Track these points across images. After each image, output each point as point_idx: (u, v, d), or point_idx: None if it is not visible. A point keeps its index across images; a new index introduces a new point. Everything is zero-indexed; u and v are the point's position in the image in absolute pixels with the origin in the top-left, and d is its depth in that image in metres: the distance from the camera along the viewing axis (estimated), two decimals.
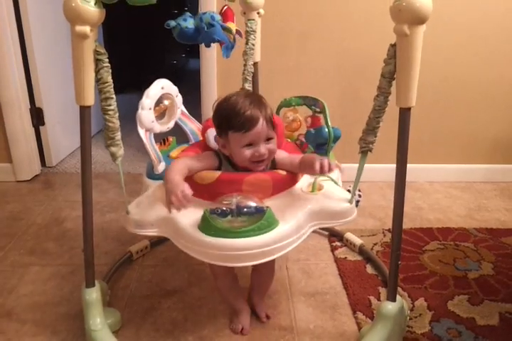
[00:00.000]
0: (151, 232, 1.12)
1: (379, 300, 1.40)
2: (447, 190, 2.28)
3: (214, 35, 1.25)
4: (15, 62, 2.19)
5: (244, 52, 1.56)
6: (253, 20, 1.54)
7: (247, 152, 1.10)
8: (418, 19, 0.92)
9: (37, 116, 2.38)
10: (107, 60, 1.02)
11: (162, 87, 1.31)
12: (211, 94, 2.25)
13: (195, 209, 1.05)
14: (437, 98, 2.23)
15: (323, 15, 2.12)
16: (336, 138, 1.33)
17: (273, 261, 1.24)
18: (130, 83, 3.84)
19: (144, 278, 1.52)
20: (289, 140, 1.41)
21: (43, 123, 2.42)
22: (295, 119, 1.44)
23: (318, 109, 1.37)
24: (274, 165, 1.19)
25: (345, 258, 1.63)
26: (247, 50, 1.56)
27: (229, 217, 0.99)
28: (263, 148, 1.11)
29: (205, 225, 1.00)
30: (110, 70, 1.03)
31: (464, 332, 1.26)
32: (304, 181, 1.22)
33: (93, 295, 1.20)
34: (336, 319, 1.33)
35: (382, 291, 1.43)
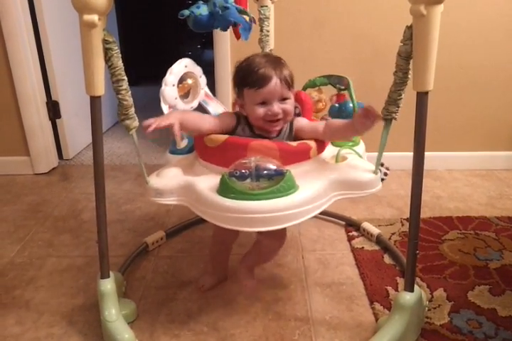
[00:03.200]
0: (171, 201, 1.12)
1: (397, 290, 1.37)
2: (467, 178, 2.23)
3: (230, 17, 1.22)
4: (30, 56, 2.20)
5: (259, 39, 1.55)
6: (266, 6, 1.52)
7: (261, 110, 1.10)
8: None
9: (53, 110, 2.39)
10: (117, 47, 1.01)
11: (185, 65, 1.31)
12: (225, 85, 2.23)
13: (214, 175, 1.06)
14: (455, 83, 2.17)
15: (337, 1, 2.07)
16: None
17: (283, 237, 1.25)
18: (145, 75, 3.84)
19: (160, 269, 1.52)
20: (313, 117, 1.37)
21: (60, 117, 2.43)
22: (320, 100, 1.42)
23: (342, 87, 1.35)
24: (292, 129, 1.18)
25: (362, 248, 1.61)
26: (263, 37, 1.54)
27: (248, 179, 0.98)
28: (276, 107, 1.10)
29: (224, 188, 0.99)
30: (120, 55, 1.02)
31: (485, 323, 1.23)
32: (327, 153, 1.19)
33: (108, 286, 1.20)
34: (353, 310, 1.31)
35: (400, 281, 1.41)
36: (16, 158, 2.35)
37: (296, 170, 1.04)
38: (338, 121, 1.16)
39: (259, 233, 1.22)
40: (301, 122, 1.19)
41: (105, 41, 0.99)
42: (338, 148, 1.17)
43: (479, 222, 1.76)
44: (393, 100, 1.05)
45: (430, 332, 1.20)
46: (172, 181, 1.11)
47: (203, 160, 1.17)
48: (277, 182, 0.98)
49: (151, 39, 4.15)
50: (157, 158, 2.47)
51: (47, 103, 2.35)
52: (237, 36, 1.39)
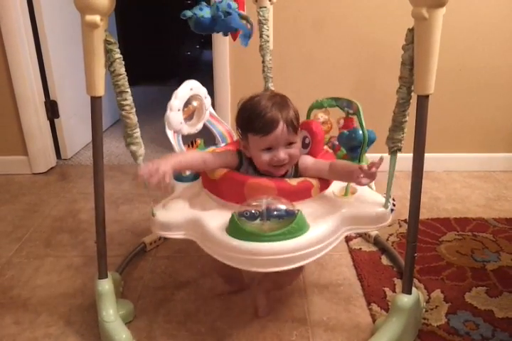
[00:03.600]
0: (177, 235, 1.10)
1: (394, 291, 1.37)
2: (465, 180, 2.24)
3: (231, 24, 1.22)
4: (29, 56, 2.20)
5: (260, 47, 1.51)
6: (265, 7, 1.50)
7: (266, 156, 1.07)
8: (437, 1, 0.88)
9: (52, 109, 2.39)
10: (118, 50, 1.01)
11: (191, 88, 1.30)
12: (224, 86, 2.23)
13: (222, 211, 1.04)
14: (454, 86, 2.18)
15: (337, 2, 2.08)
16: (371, 142, 1.27)
17: (298, 271, 1.24)
18: (144, 75, 3.84)
19: (158, 270, 1.52)
20: (325, 147, 1.35)
21: (58, 116, 2.43)
22: (326, 121, 1.38)
23: (351, 111, 1.31)
24: (297, 170, 1.15)
25: (360, 249, 1.61)
26: (263, 44, 1.50)
27: (258, 220, 0.95)
28: (282, 153, 1.07)
29: (233, 228, 0.97)
30: (123, 62, 1.02)
31: (482, 325, 1.23)
32: (336, 185, 1.17)
33: (106, 286, 1.20)
34: (350, 311, 1.32)
35: (398, 283, 1.41)
36: (14, 157, 2.35)
37: (305, 206, 1.02)
38: (340, 166, 1.12)
39: None
40: (307, 162, 1.15)
41: (107, 42, 0.99)
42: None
43: (477, 224, 1.77)
44: (398, 124, 1.03)
45: (427, 334, 1.20)
46: (179, 215, 1.09)
47: (207, 190, 1.16)
48: (288, 223, 0.95)
49: (151, 39, 4.15)
50: (155, 158, 2.46)
51: (45, 103, 2.35)
52: (234, 38, 1.39)
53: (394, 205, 1.13)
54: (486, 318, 1.25)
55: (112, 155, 2.59)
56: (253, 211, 0.95)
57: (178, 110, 1.25)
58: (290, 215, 0.96)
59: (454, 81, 2.16)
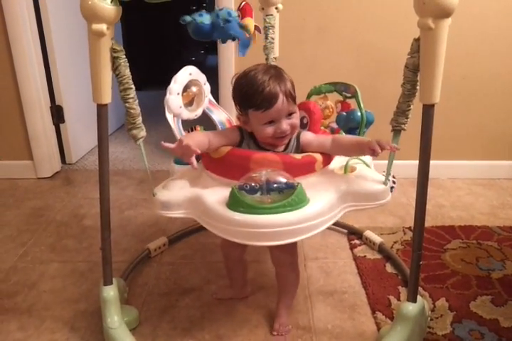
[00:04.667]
0: (178, 214, 1.09)
1: (399, 299, 1.37)
2: (470, 187, 2.23)
3: (230, 31, 1.23)
4: (35, 61, 2.21)
5: (264, 46, 1.55)
6: (271, 15, 1.52)
7: (269, 129, 1.08)
8: (443, 12, 0.89)
9: (57, 114, 2.41)
10: (124, 56, 1.02)
11: (190, 73, 1.30)
12: (229, 91, 2.22)
13: (222, 187, 1.04)
14: (459, 93, 2.18)
15: (341, 9, 2.09)
16: (369, 123, 1.29)
17: (295, 258, 1.25)
18: (148, 80, 3.86)
19: (162, 276, 1.52)
20: (323, 127, 1.36)
21: (63, 121, 2.45)
22: (327, 107, 1.39)
23: (348, 95, 1.33)
24: (299, 144, 1.15)
25: (365, 256, 1.61)
26: (267, 44, 1.54)
27: (258, 193, 0.96)
28: (285, 124, 1.08)
29: (234, 202, 0.97)
30: (128, 64, 1.03)
31: (487, 334, 1.23)
32: (335, 163, 1.18)
33: (111, 293, 1.21)
34: (355, 319, 1.31)
35: (402, 291, 1.41)
36: (19, 162, 2.36)
37: (305, 182, 1.02)
38: (346, 139, 1.15)
39: (271, 247, 1.20)
40: (308, 137, 1.16)
41: (113, 50, 0.99)
42: (347, 159, 1.15)
43: (481, 232, 1.76)
44: (402, 111, 1.05)
45: None
46: (179, 194, 1.09)
47: (209, 171, 1.16)
48: (288, 196, 0.96)
49: (155, 44, 4.17)
50: (160, 164, 2.47)
51: (51, 108, 2.36)
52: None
53: (394, 183, 1.13)
54: (491, 327, 1.25)
55: (116, 160, 2.59)
56: (253, 184, 0.96)
57: (178, 94, 1.25)
58: (290, 188, 0.97)
59: (458, 89, 2.16)
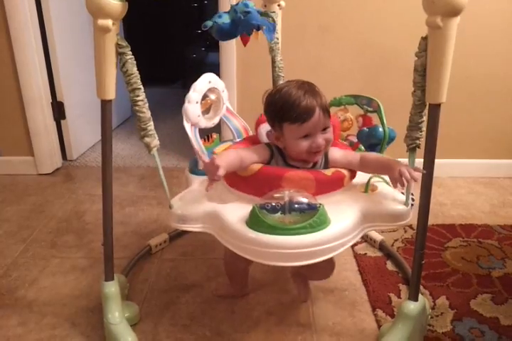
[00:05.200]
0: (195, 228, 1.08)
1: (399, 297, 1.37)
2: (470, 186, 2.23)
3: (252, 21, 1.21)
4: (37, 57, 2.21)
5: (270, 48, 1.52)
6: (274, 12, 1.51)
7: (305, 143, 1.06)
8: (452, 11, 0.88)
9: (58, 110, 2.40)
10: (131, 53, 1.01)
11: (209, 81, 1.27)
12: (230, 87, 2.23)
13: (241, 204, 1.03)
14: (460, 93, 2.17)
15: (344, 8, 2.09)
16: (391, 140, 1.27)
17: (333, 262, 1.25)
18: (149, 77, 3.83)
19: (163, 272, 1.53)
20: (340, 140, 1.34)
21: (64, 117, 2.44)
22: (346, 119, 1.37)
23: (370, 109, 1.31)
24: (327, 161, 1.14)
25: (365, 254, 1.61)
26: (273, 46, 1.52)
27: (279, 212, 0.94)
28: (320, 139, 1.06)
29: (254, 221, 0.95)
30: (135, 62, 1.03)
31: (487, 332, 1.23)
32: (357, 181, 1.17)
33: (112, 288, 1.21)
34: (355, 316, 1.32)
35: (403, 288, 1.41)
36: (20, 158, 2.36)
37: (327, 201, 1.01)
38: (373, 158, 1.13)
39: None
40: (336, 154, 1.15)
41: (118, 45, 0.99)
42: (368, 176, 1.13)
43: (482, 230, 1.77)
44: (415, 124, 1.04)
45: (433, 340, 1.20)
46: (197, 207, 1.08)
47: (231, 188, 1.13)
48: (310, 217, 0.94)
49: (156, 41, 4.16)
50: (165, 161, 2.47)
51: (52, 104, 2.36)
52: (245, 43, 1.39)
53: (413, 200, 1.12)
54: (492, 325, 1.25)
55: (117, 157, 2.58)
56: (274, 204, 0.94)
57: (196, 102, 1.22)
58: (312, 209, 0.95)
59: (461, 88, 2.15)
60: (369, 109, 1.31)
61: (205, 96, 1.27)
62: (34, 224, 1.86)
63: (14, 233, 1.79)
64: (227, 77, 2.22)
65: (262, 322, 1.29)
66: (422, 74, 0.97)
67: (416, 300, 1.15)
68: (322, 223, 0.96)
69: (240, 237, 0.97)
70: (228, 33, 1.24)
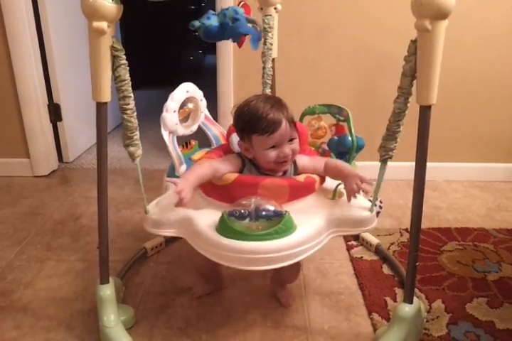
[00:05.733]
0: (169, 233, 1.12)
1: (395, 301, 1.37)
2: (466, 190, 2.24)
3: (240, 29, 1.23)
4: (33, 58, 2.20)
5: (262, 53, 1.53)
6: (270, 15, 1.51)
7: (272, 153, 1.11)
8: (440, 14, 0.90)
9: (55, 112, 2.39)
10: (124, 56, 1.01)
11: (187, 90, 1.32)
12: (227, 90, 2.24)
13: (214, 210, 1.06)
14: (456, 96, 2.18)
15: (341, 11, 2.09)
16: (359, 148, 1.32)
17: (298, 265, 1.30)
18: (146, 79, 3.84)
19: (158, 275, 1.52)
20: (312, 148, 1.39)
21: (61, 119, 2.43)
22: (321, 127, 1.41)
23: (342, 118, 1.35)
24: (296, 169, 1.20)
25: (361, 257, 1.61)
26: (265, 51, 1.53)
27: (247, 219, 0.99)
28: (287, 149, 1.12)
29: (223, 227, 1.00)
30: (128, 68, 1.03)
31: (483, 336, 1.23)
32: (324, 188, 1.21)
33: (107, 291, 1.20)
34: (351, 320, 1.32)
35: (399, 292, 1.41)
36: (15, 159, 2.35)
37: (293, 208, 1.06)
38: (333, 167, 1.18)
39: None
40: (304, 160, 1.21)
41: (113, 48, 0.99)
42: (336, 183, 1.16)
43: (478, 234, 1.77)
44: (391, 133, 1.05)
45: None
46: (171, 213, 1.11)
47: (208, 197, 1.16)
48: (276, 223, 0.99)
49: (153, 43, 4.16)
50: (157, 163, 2.47)
51: (48, 105, 2.35)
52: (240, 45, 1.39)
53: (381, 207, 1.17)
54: (487, 329, 1.25)
55: (113, 159, 2.58)
56: (242, 211, 0.99)
57: (174, 111, 1.27)
58: (278, 216, 1.00)
59: (456, 91, 2.16)
60: (340, 118, 1.36)
61: (183, 105, 1.32)
62: (30, 226, 1.85)
63: (10, 235, 1.78)
64: (224, 79, 2.23)
65: (257, 325, 1.29)
66: (410, 79, 0.98)
67: (411, 302, 1.15)
68: (288, 229, 1.00)
69: (210, 243, 1.02)
70: (214, 36, 1.26)
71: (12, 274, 1.52)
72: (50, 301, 1.39)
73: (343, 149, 1.33)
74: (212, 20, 1.22)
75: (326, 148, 1.39)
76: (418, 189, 1.07)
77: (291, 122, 1.13)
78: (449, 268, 1.54)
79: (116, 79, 1.03)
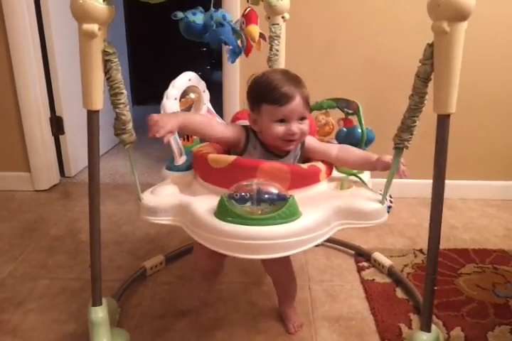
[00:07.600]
0: (164, 221, 1.05)
1: (410, 328, 1.28)
2: (482, 208, 2.15)
3: (221, 36, 1.17)
4: (36, 71, 2.17)
5: (268, 58, 1.49)
6: (277, 24, 1.47)
7: (280, 128, 1.06)
8: (459, 15, 0.83)
9: (57, 125, 2.35)
10: (116, 59, 0.95)
11: (189, 78, 1.26)
12: (233, 105, 2.19)
13: (212, 195, 0.99)
14: (471, 110, 2.11)
15: (350, 22, 2.05)
16: (369, 141, 1.26)
17: (289, 267, 1.23)
18: (153, 95, 3.81)
19: (157, 296, 1.44)
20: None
21: (63, 133, 2.39)
22: (327, 123, 1.36)
23: (351, 111, 1.30)
24: (303, 149, 1.14)
25: (373, 280, 1.52)
26: (272, 56, 1.49)
27: (248, 203, 0.91)
28: (295, 127, 1.06)
29: (222, 211, 0.92)
30: (119, 68, 0.97)
31: None
32: (332, 179, 1.13)
33: (99, 314, 1.12)
34: None
35: (414, 318, 1.31)
36: (16, 173, 2.30)
37: (299, 197, 0.96)
38: (355, 151, 1.14)
39: (262, 260, 1.16)
40: (313, 142, 1.16)
41: (105, 52, 0.93)
42: (343, 175, 1.10)
43: (497, 256, 1.67)
44: (407, 127, 0.98)
45: None
46: (167, 199, 1.05)
47: (204, 181, 1.09)
48: (279, 208, 0.91)
49: (161, 59, 4.15)
50: (158, 179, 2.39)
51: (50, 118, 2.31)
52: (247, 53, 1.34)
53: (391, 202, 1.08)
54: None
55: (116, 174, 2.53)
56: (243, 193, 0.91)
57: (175, 99, 1.21)
58: (282, 199, 0.92)
59: (472, 105, 2.09)
60: (349, 111, 1.31)
61: (185, 94, 1.25)
62: (26, 242, 1.78)
63: (4, 251, 1.71)
64: (230, 95, 2.18)
65: None
66: (424, 80, 0.91)
67: (429, 330, 1.06)
68: (292, 214, 0.92)
69: (207, 228, 0.94)
70: (194, 34, 1.19)
71: (3, 293, 1.45)
72: (41, 323, 1.31)
73: (352, 141, 1.25)
74: (197, 17, 1.15)
75: (335, 142, 1.31)
76: (436, 206, 0.99)
77: (306, 101, 1.07)
78: (467, 292, 1.44)
79: (108, 79, 0.97)
